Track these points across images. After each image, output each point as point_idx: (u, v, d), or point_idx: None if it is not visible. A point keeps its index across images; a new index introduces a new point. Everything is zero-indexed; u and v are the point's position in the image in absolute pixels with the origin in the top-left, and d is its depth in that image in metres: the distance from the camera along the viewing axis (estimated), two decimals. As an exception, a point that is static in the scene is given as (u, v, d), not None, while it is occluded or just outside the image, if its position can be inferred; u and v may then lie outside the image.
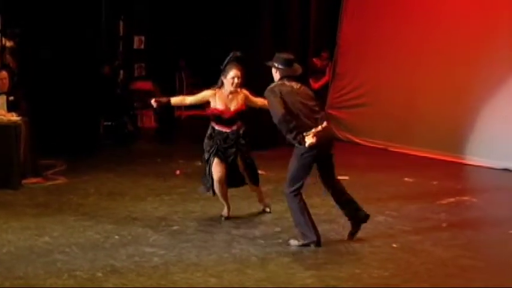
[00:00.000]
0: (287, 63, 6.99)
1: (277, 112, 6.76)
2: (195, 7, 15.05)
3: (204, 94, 7.67)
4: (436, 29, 12.47)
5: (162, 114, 13.33)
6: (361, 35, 13.64)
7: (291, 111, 6.81)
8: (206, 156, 7.79)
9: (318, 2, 13.54)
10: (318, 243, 7.04)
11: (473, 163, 11.75)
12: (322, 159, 6.97)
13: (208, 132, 7.79)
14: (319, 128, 6.84)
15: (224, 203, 7.94)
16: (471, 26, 12.04)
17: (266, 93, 6.95)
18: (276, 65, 7.00)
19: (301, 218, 7.00)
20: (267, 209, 8.23)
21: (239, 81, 7.56)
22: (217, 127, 7.73)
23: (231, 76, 7.53)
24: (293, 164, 6.95)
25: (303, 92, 7.01)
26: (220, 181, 7.74)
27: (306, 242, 7.04)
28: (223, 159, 7.73)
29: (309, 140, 6.74)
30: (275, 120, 6.81)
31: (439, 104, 12.33)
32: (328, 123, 7.01)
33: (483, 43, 11.86)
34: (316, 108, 7.02)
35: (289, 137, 6.81)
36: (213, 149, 7.69)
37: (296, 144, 6.84)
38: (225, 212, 7.97)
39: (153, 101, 7.70)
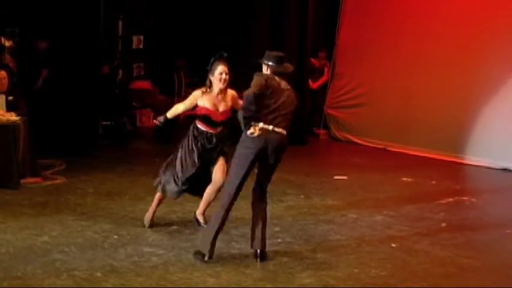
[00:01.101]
0: (277, 60, 6.89)
1: (252, 87, 6.56)
2: (193, 7, 15.05)
3: (193, 96, 7.46)
4: (434, 30, 12.49)
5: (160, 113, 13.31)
6: (359, 35, 13.64)
7: (262, 101, 6.62)
8: (181, 154, 7.48)
9: (315, 2, 13.54)
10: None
11: (472, 163, 11.77)
12: (263, 159, 6.77)
13: (190, 132, 7.54)
14: (271, 127, 6.66)
15: (155, 206, 7.68)
16: (469, 26, 12.06)
17: (255, 75, 6.75)
18: (266, 62, 6.89)
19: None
20: (203, 224, 7.67)
21: (227, 77, 7.31)
22: (202, 127, 7.49)
23: (219, 72, 7.28)
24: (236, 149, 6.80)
25: (288, 95, 6.76)
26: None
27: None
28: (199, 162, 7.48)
29: (253, 129, 6.59)
30: (245, 92, 6.60)
31: (438, 104, 12.34)
32: (283, 133, 6.74)
33: (481, 43, 11.88)
34: (287, 116, 6.78)
35: (241, 114, 6.66)
36: (194, 150, 7.45)
37: (242, 128, 6.69)
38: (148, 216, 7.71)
39: (155, 122, 7.68)
